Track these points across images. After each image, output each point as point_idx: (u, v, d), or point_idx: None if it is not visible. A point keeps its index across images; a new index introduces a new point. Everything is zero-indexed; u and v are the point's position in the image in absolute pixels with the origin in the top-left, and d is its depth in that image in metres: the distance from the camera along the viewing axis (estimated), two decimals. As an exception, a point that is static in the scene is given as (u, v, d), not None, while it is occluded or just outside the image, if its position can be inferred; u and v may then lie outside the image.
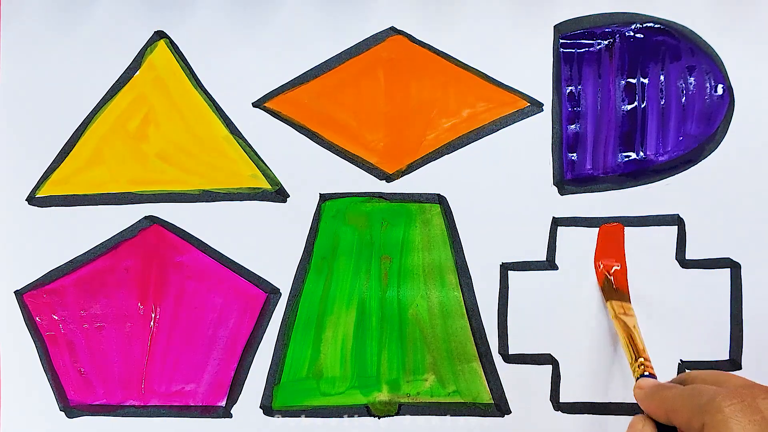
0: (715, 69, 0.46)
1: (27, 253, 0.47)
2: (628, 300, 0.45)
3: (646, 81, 0.47)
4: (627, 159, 0.46)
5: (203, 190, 0.47)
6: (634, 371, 0.39)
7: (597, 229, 0.46)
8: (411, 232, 0.47)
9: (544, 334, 0.46)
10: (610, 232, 0.46)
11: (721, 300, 0.46)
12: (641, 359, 0.39)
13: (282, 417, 0.47)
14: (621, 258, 0.46)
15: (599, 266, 0.46)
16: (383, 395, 0.46)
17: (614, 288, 0.45)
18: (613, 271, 0.46)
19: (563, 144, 0.47)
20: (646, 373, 0.37)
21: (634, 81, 0.47)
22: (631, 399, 0.46)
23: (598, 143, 0.47)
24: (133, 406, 0.47)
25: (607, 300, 0.45)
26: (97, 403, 0.47)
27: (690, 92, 0.46)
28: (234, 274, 0.47)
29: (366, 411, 0.46)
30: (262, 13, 0.47)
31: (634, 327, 0.42)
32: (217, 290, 0.47)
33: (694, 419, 0.30)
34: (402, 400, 0.46)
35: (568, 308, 0.46)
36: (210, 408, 0.47)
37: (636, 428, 0.33)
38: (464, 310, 0.46)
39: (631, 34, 0.47)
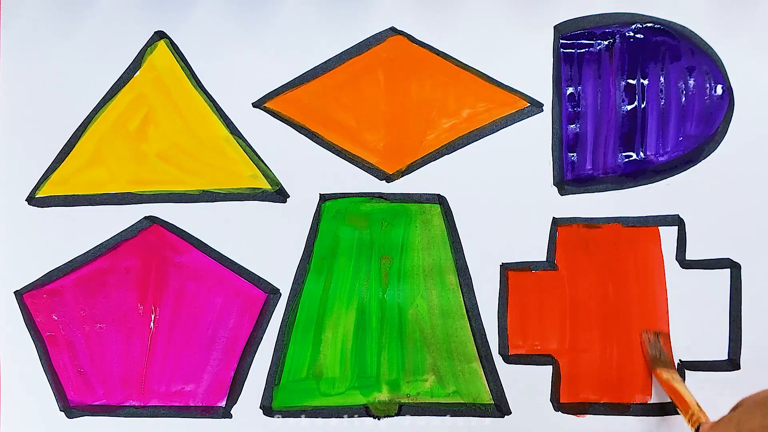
0: (715, 69, 0.46)
1: (27, 253, 0.47)
2: (674, 366, 0.46)
3: (646, 81, 0.47)
4: (627, 159, 0.46)
5: (203, 191, 0.47)
6: (692, 424, 0.41)
7: (597, 230, 0.46)
8: (411, 233, 0.47)
9: (544, 334, 0.46)
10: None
11: (720, 300, 0.46)
12: (691, 411, 0.41)
13: (282, 417, 0.47)
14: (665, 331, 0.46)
15: (642, 335, 0.46)
16: (383, 395, 0.46)
17: (661, 358, 0.45)
18: (659, 339, 0.46)
19: (563, 144, 0.47)
20: (701, 423, 0.40)
21: (634, 81, 0.47)
22: (630, 400, 0.46)
23: (598, 143, 0.47)
24: (133, 406, 0.47)
25: (654, 368, 0.45)
26: (97, 403, 0.47)
27: (690, 93, 0.46)
28: (234, 275, 0.47)
29: (366, 411, 0.46)
30: (263, 13, 0.47)
31: (684, 387, 0.44)
32: (217, 290, 0.47)
33: None
34: (402, 401, 0.46)
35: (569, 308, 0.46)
36: (210, 408, 0.47)
37: None
38: (464, 310, 0.46)
39: (631, 34, 0.47)
